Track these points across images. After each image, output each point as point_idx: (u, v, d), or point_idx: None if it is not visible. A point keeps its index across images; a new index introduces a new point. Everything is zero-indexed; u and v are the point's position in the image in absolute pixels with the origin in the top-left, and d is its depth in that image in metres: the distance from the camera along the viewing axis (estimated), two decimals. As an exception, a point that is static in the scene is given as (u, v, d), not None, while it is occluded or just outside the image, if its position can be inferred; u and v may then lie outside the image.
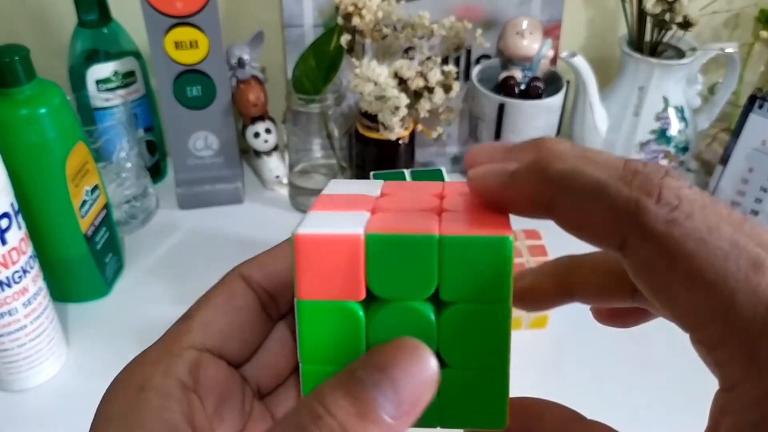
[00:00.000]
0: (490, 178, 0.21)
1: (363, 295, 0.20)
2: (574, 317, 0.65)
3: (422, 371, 0.19)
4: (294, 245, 0.20)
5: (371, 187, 0.24)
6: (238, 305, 0.23)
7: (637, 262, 0.18)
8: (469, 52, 0.81)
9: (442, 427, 0.22)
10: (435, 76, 0.70)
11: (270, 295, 0.24)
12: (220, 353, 0.23)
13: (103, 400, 0.21)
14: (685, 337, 0.19)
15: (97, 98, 0.75)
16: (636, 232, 0.18)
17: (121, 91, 0.76)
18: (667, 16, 0.70)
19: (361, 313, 0.20)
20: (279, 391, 0.25)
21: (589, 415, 0.23)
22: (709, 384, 0.19)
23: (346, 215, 0.21)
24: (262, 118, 0.80)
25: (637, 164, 0.19)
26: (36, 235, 0.59)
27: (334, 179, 0.24)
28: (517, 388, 0.22)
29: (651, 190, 0.18)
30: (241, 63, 0.76)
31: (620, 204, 0.18)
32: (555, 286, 0.25)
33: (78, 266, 0.66)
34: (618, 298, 0.24)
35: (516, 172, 0.20)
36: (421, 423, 0.21)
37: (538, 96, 0.75)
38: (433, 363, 0.20)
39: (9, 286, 0.54)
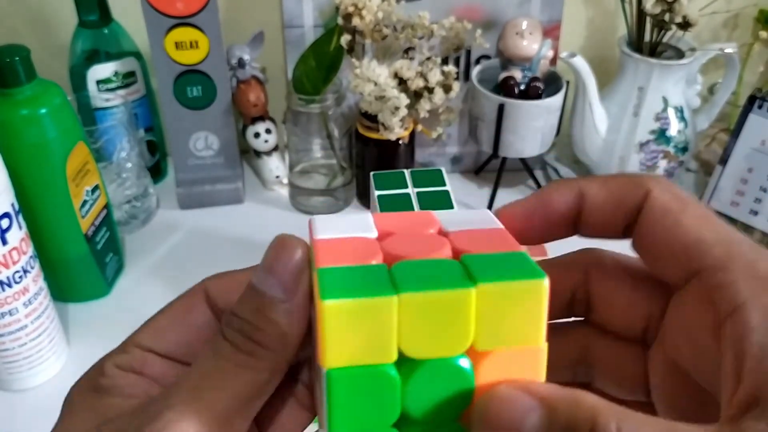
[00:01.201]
0: None
1: (395, 356, 0.19)
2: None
3: None
4: (322, 314, 0.18)
5: (361, 224, 0.23)
6: (193, 320, 0.23)
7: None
8: (468, 53, 0.81)
9: None
10: (435, 76, 0.70)
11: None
12: (167, 356, 0.23)
13: (64, 404, 0.23)
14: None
15: (98, 98, 0.75)
16: None
17: (121, 92, 0.76)
18: (667, 17, 0.70)
19: (395, 374, 0.19)
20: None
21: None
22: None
23: (363, 270, 0.20)
24: (262, 118, 0.80)
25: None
26: (36, 235, 0.59)
27: (316, 216, 0.23)
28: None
29: None
30: (241, 63, 0.77)
31: None
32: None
33: (78, 266, 0.66)
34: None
35: None
36: None
37: (538, 96, 0.75)
38: None
39: (9, 286, 0.55)
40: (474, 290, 0.19)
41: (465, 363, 0.20)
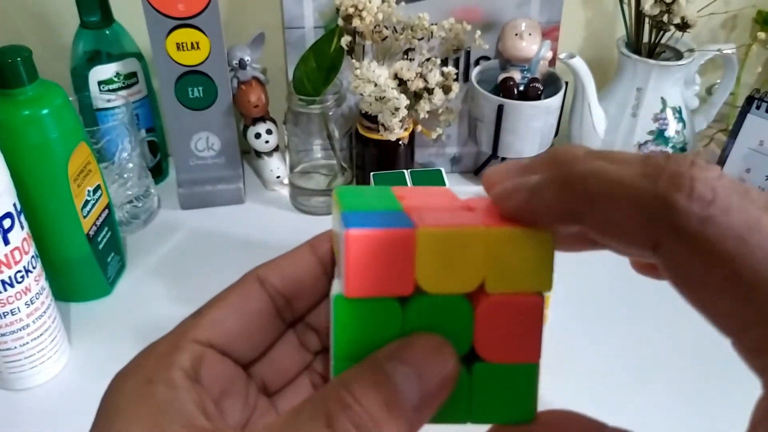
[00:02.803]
0: (514, 196, 0.20)
1: (411, 289, 0.20)
2: (574, 311, 0.65)
3: (446, 368, 0.20)
4: (345, 242, 0.20)
5: (384, 191, 0.24)
6: (251, 308, 0.23)
7: (672, 264, 0.17)
8: (468, 54, 0.81)
9: (473, 422, 0.22)
10: (434, 77, 0.70)
11: (285, 299, 0.24)
12: (226, 351, 0.23)
13: (108, 391, 0.21)
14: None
15: (99, 99, 0.75)
16: (669, 233, 0.17)
17: (123, 92, 0.76)
18: (665, 18, 0.71)
19: (399, 307, 0.21)
20: (286, 390, 0.25)
21: (592, 412, 0.23)
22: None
23: (385, 215, 0.21)
24: (263, 119, 0.80)
25: (659, 157, 0.17)
26: (38, 235, 0.60)
27: (340, 187, 0.24)
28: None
29: (681, 184, 0.17)
30: (242, 64, 0.77)
31: (649, 203, 0.17)
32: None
33: (80, 266, 0.66)
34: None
35: (537, 184, 0.20)
36: (451, 419, 0.21)
37: (537, 97, 0.76)
38: (455, 358, 0.20)
39: (11, 285, 0.55)
40: (486, 231, 0.20)
41: (465, 305, 0.21)
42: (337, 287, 0.21)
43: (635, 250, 0.18)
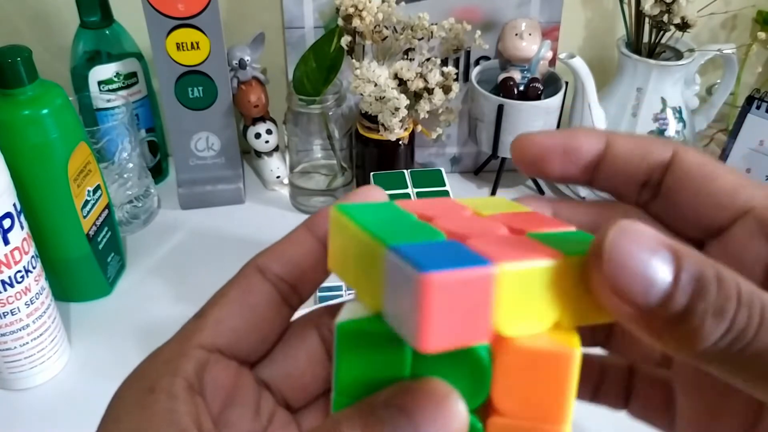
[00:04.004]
0: None
1: (490, 336, 0.17)
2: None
3: (450, 423, 0.18)
4: (422, 289, 0.16)
5: (395, 210, 0.21)
6: (254, 301, 0.22)
7: None
8: (468, 54, 0.81)
9: None
10: (434, 77, 0.70)
11: (289, 285, 0.23)
12: (232, 353, 0.22)
13: (113, 398, 0.21)
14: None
15: (99, 99, 0.75)
16: None
17: (123, 92, 0.76)
18: (665, 18, 0.71)
19: (407, 347, 0.18)
20: (310, 409, 0.24)
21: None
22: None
23: (442, 247, 0.18)
24: (263, 119, 0.80)
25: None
26: (38, 235, 0.60)
27: (343, 206, 0.21)
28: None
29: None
30: (242, 64, 0.77)
31: None
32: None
33: (80, 266, 0.66)
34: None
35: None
36: None
37: (537, 97, 0.76)
38: (463, 416, 0.18)
39: (11, 285, 0.55)
40: (563, 261, 0.18)
41: (483, 350, 0.18)
42: (345, 313, 0.19)
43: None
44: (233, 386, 0.22)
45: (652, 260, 0.16)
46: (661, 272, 0.16)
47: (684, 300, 0.16)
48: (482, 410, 0.19)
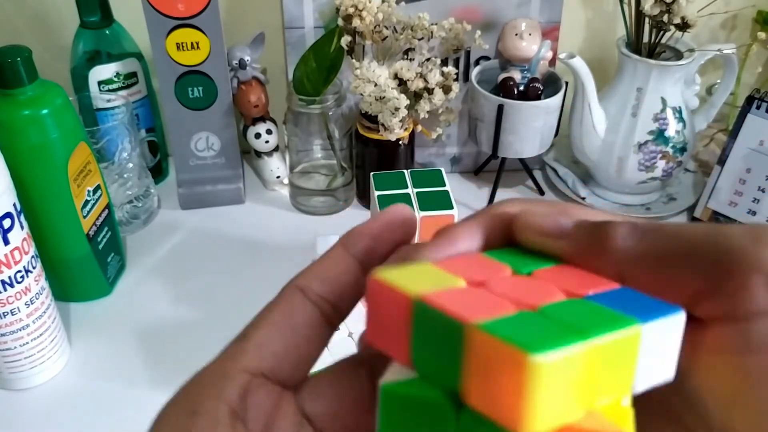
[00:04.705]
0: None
1: (406, 358, 0.18)
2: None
3: None
4: (366, 288, 0.18)
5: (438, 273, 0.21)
6: (296, 322, 0.22)
7: None
8: (468, 54, 0.81)
9: None
10: (435, 77, 0.70)
11: (330, 304, 0.23)
12: (275, 376, 0.22)
13: (156, 417, 0.21)
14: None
15: (99, 99, 0.75)
16: None
17: (123, 92, 0.76)
18: (665, 18, 0.71)
19: (453, 412, 0.18)
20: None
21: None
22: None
23: (438, 275, 0.19)
24: (263, 119, 0.80)
25: None
26: (38, 235, 0.60)
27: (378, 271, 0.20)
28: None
29: None
30: (242, 64, 0.77)
31: None
32: None
33: (80, 266, 0.66)
34: None
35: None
36: None
37: (537, 97, 0.76)
38: None
39: (11, 285, 0.55)
40: (463, 327, 0.17)
41: None
42: (391, 373, 0.19)
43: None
44: (275, 412, 0.22)
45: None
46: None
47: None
48: None
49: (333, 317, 0.23)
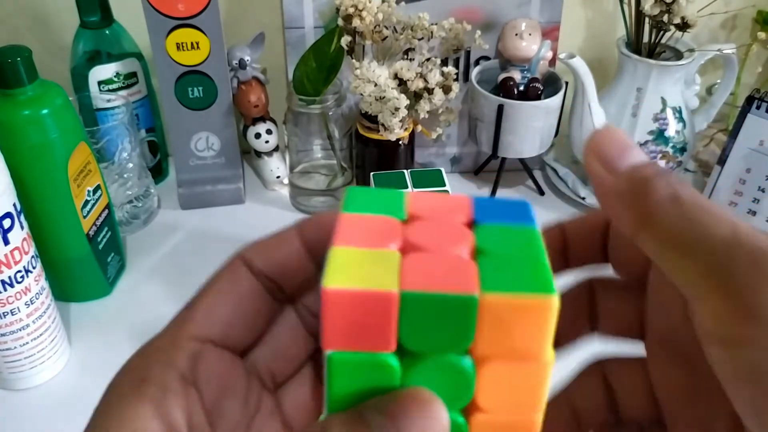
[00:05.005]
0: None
1: (394, 347, 0.19)
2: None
3: (431, 426, 0.19)
4: (322, 299, 0.19)
5: (394, 202, 0.22)
6: (242, 291, 0.23)
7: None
8: (468, 54, 0.81)
9: None
10: (435, 77, 0.70)
11: (273, 282, 0.23)
12: (224, 342, 0.22)
13: (107, 389, 0.21)
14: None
15: (99, 99, 0.75)
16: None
17: (123, 92, 0.76)
18: (665, 18, 0.71)
19: (396, 364, 0.19)
20: (292, 383, 0.25)
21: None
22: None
23: (375, 256, 0.20)
24: (263, 119, 0.80)
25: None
26: (38, 235, 0.60)
27: (352, 187, 0.23)
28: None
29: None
30: (242, 64, 0.77)
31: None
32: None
33: (80, 266, 0.66)
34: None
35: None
36: None
37: (537, 97, 0.76)
38: (444, 419, 0.19)
39: (11, 285, 0.55)
40: (477, 298, 0.19)
41: (467, 363, 0.20)
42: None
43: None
44: (226, 376, 0.22)
45: (630, 144, 0.21)
46: (637, 153, 0.21)
47: (649, 171, 0.20)
48: (466, 408, 0.20)
49: (276, 293, 0.24)
